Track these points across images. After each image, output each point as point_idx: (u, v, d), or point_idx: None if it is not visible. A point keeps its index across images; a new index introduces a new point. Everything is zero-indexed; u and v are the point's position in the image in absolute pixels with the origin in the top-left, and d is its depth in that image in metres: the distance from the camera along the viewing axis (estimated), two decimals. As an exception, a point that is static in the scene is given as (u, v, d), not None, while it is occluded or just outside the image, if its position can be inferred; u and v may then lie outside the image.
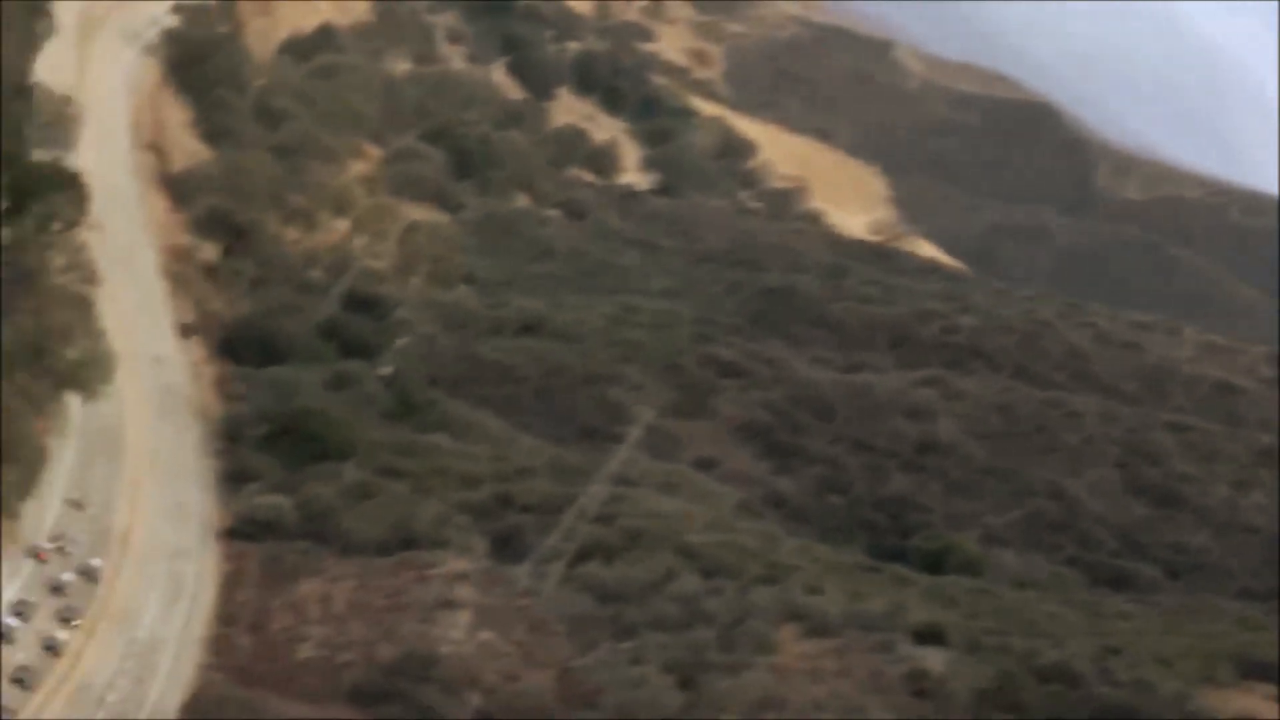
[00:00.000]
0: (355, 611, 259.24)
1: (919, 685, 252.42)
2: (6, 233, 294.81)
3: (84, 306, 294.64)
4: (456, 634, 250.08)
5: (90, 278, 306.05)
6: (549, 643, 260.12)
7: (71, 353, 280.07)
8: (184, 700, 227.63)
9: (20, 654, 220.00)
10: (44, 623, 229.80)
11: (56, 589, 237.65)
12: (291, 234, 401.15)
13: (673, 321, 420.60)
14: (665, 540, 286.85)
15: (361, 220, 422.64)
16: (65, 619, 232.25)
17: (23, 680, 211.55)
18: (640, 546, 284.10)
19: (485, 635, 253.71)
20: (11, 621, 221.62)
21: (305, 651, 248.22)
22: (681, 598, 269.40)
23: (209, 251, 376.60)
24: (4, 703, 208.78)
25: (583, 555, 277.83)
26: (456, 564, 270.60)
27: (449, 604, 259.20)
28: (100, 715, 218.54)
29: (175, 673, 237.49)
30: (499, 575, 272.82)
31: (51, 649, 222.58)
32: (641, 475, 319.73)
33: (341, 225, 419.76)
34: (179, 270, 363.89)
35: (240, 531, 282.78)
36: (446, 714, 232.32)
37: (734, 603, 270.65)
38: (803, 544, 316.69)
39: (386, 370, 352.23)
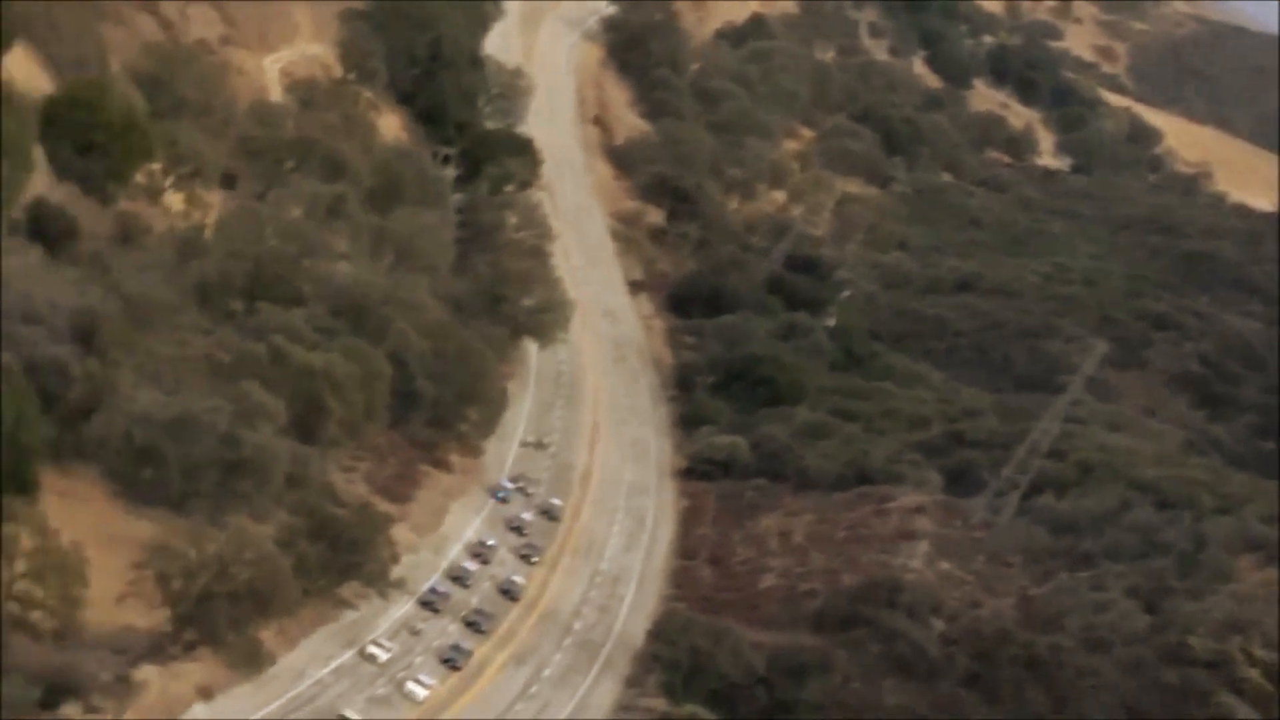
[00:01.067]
0: (815, 543, 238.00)
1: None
2: (464, 194, 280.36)
3: (540, 258, 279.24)
4: (917, 563, 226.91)
5: (545, 234, 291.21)
6: (1006, 572, 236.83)
7: (529, 301, 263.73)
8: (650, 627, 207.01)
9: (486, 584, 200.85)
10: (507, 559, 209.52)
11: (517, 528, 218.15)
12: (731, 203, 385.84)
13: (1104, 278, 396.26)
14: (1117, 474, 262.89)
15: (798, 191, 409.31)
16: (526, 556, 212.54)
17: (484, 614, 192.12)
18: (1093, 480, 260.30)
19: (944, 565, 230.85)
20: (470, 565, 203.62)
21: (767, 581, 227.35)
22: (1137, 528, 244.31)
23: (654, 216, 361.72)
24: (481, 627, 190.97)
25: (1036, 488, 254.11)
26: (913, 497, 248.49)
27: (908, 535, 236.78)
28: (568, 641, 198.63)
29: (639, 603, 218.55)
30: (954, 508, 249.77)
31: (513, 584, 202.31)
32: (1088, 415, 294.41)
33: (778, 196, 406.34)
34: (626, 232, 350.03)
35: (696, 470, 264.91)
36: (912, 638, 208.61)
37: (1190, 532, 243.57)
38: (1250, 478, 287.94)
39: (830, 323, 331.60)
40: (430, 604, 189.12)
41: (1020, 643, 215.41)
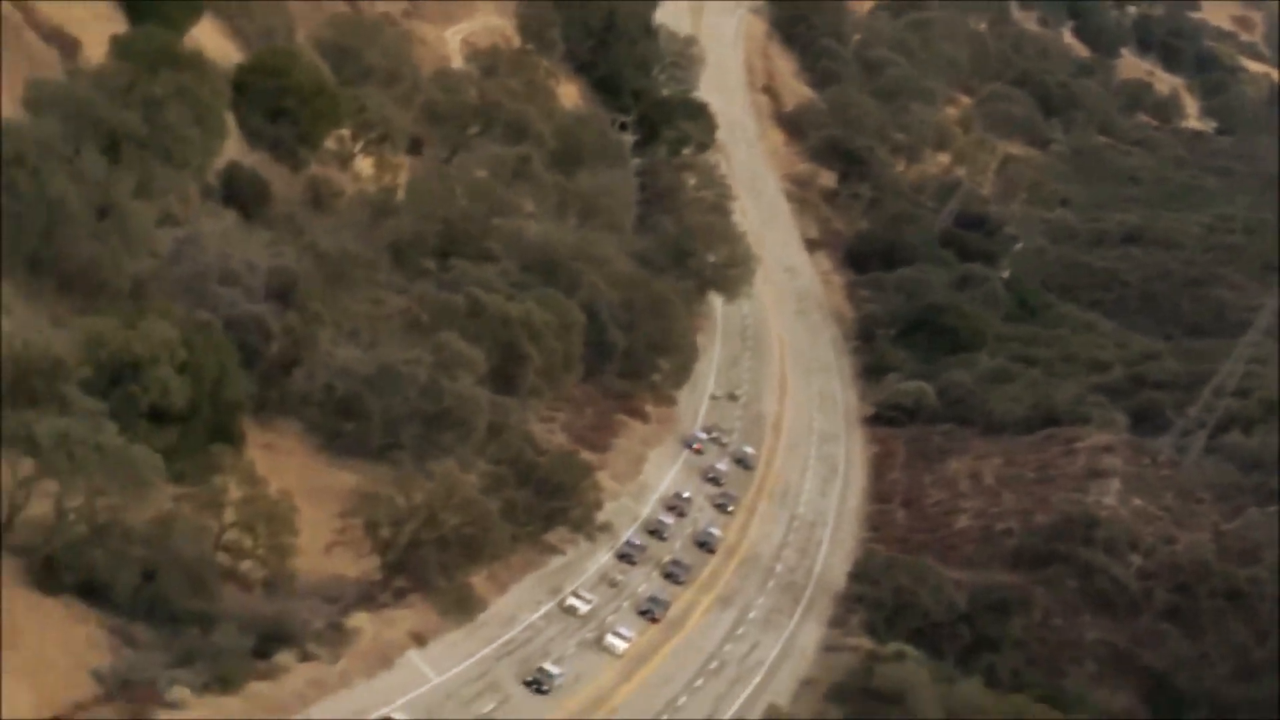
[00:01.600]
0: (1005, 484, 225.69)
1: None
2: (643, 159, 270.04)
3: (722, 214, 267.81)
4: (1109, 500, 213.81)
5: (725, 193, 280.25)
6: (1197, 508, 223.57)
7: (714, 256, 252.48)
8: (851, 569, 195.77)
9: (683, 535, 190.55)
10: (703, 509, 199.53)
11: (713, 479, 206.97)
12: (897, 165, 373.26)
13: (1265, 228, 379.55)
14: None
15: (961, 153, 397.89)
16: (721, 505, 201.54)
17: (681, 565, 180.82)
18: (1278, 417, 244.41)
19: (1136, 501, 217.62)
20: (666, 519, 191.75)
21: (961, 522, 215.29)
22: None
23: (826, 178, 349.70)
24: (679, 578, 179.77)
25: (1222, 427, 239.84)
26: (1100, 437, 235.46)
27: (1098, 473, 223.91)
28: (770, 584, 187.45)
29: (837, 546, 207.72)
30: (1141, 447, 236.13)
31: (710, 536, 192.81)
32: (1267, 356, 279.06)
33: (943, 158, 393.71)
34: (800, 194, 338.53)
35: (883, 417, 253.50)
36: (1110, 573, 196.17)
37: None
38: None
39: (1004, 275, 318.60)
40: (627, 556, 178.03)
41: (1219, 575, 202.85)
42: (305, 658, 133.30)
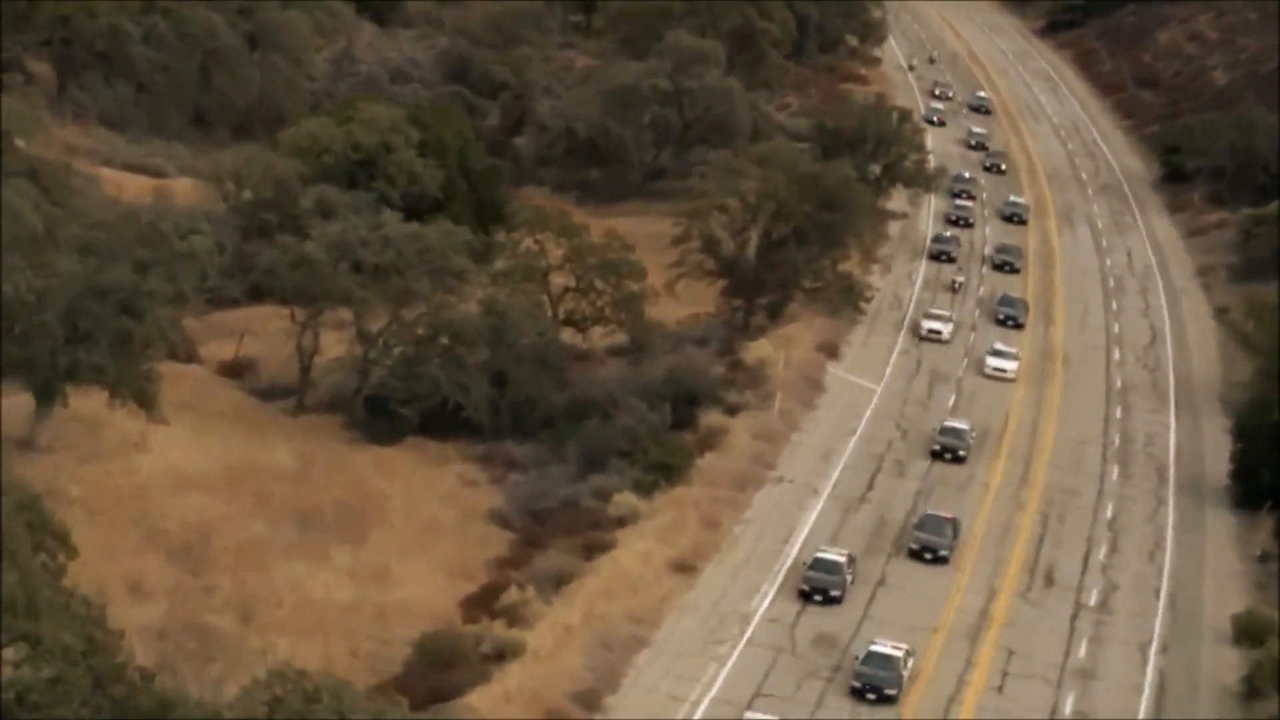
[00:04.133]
0: (1233, 30, 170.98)
1: None
2: None
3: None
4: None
5: None
6: None
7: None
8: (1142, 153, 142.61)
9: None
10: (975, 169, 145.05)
11: (975, 144, 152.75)
12: None
13: None
14: None
15: None
16: (993, 167, 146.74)
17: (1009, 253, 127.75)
18: None
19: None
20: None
21: (1218, 75, 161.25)
22: None
23: None
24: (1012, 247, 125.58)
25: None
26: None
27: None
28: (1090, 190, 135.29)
29: (1110, 139, 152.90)
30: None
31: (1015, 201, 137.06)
32: None
33: None
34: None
35: (1057, 24, 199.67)
36: None
37: None
38: None
39: None
40: (943, 254, 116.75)
41: None
42: (732, 410, 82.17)
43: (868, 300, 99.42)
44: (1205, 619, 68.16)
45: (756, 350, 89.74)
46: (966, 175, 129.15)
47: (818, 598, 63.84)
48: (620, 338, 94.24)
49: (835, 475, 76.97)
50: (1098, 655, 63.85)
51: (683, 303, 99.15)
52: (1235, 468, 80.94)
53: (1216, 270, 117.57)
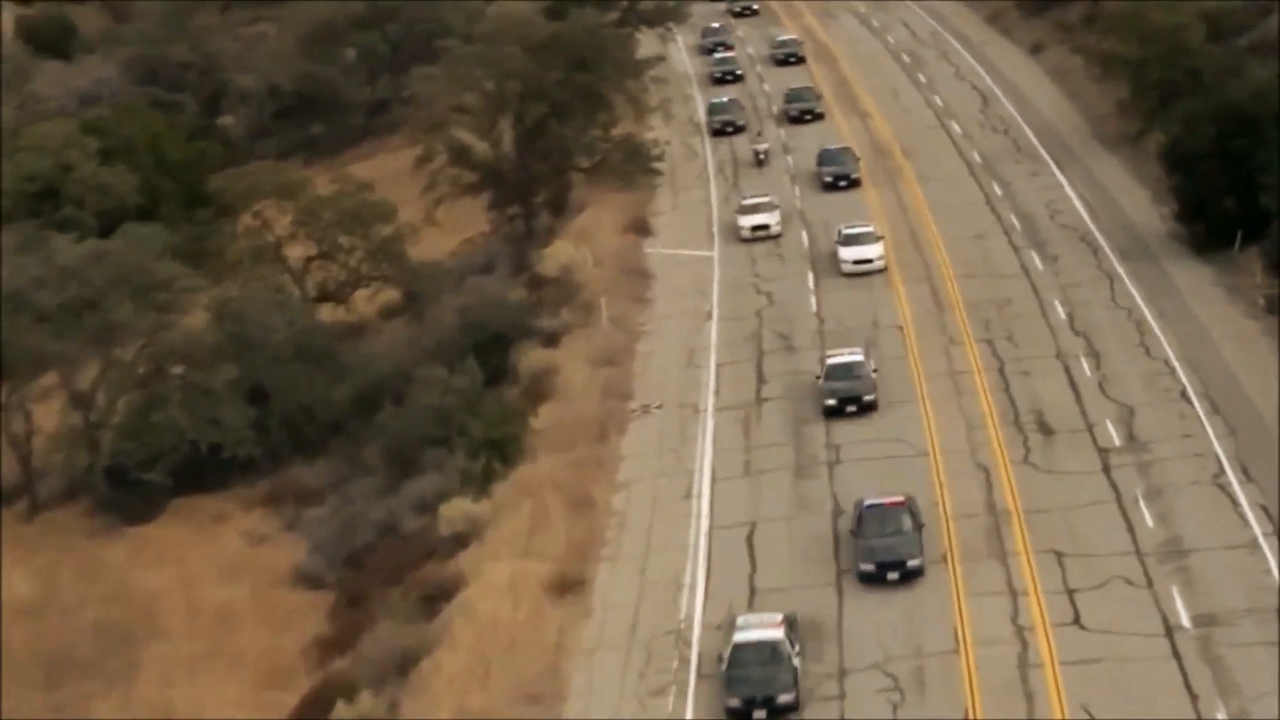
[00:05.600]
0: None
1: None
2: None
3: None
4: None
5: None
6: None
7: None
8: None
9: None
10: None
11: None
12: None
13: None
14: None
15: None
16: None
17: None
18: None
19: None
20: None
21: None
22: None
23: None
24: None
25: None
26: None
27: None
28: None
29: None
30: None
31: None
32: None
33: None
34: None
35: None
36: None
37: None
38: None
39: None
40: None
41: None
42: (553, 339, 56.53)
43: (659, 159, 73.67)
44: (1261, 408, 44.12)
45: (554, 256, 63.93)
46: (715, 25, 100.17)
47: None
48: (392, 295, 68.07)
49: (711, 380, 51.65)
50: (1169, 515, 39.48)
51: (450, 231, 73.42)
52: (1180, 207, 56.94)
53: (1006, 13, 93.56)
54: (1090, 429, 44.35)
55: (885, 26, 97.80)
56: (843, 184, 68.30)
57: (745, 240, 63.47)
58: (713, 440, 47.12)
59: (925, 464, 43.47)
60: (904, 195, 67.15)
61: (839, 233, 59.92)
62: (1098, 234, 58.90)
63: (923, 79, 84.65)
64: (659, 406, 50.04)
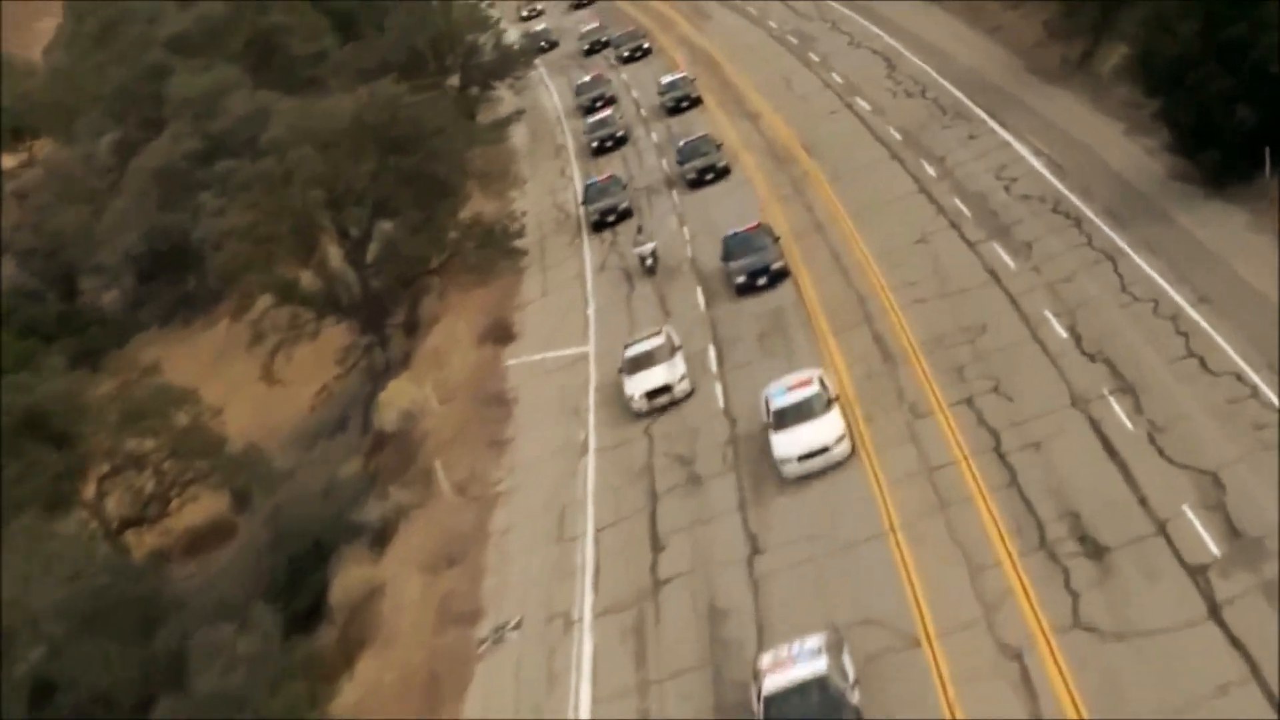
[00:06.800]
0: None
1: None
2: None
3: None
4: None
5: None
6: None
7: None
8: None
9: None
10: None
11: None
12: None
13: None
14: None
15: None
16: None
17: None
18: None
19: None
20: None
21: None
22: None
23: None
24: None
25: None
26: None
27: None
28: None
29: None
30: None
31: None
32: None
33: None
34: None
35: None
36: None
37: None
38: None
39: None
40: None
41: None
42: (383, 533, 37.00)
43: (520, 235, 54.15)
44: None
45: (392, 401, 44.63)
46: (587, 79, 75.97)
47: None
48: (218, 499, 48.78)
49: (589, 560, 32.06)
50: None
51: (304, 382, 53.89)
52: (1174, 134, 37.33)
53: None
54: (1163, 528, 24.80)
55: (764, 12, 78.29)
56: (761, 281, 42.17)
57: (640, 415, 38.02)
58: (590, 677, 27.61)
59: (916, 664, 23.92)
60: (816, 206, 47.56)
61: (766, 400, 33.95)
62: (1074, 198, 39.30)
63: (814, 57, 65.13)
64: (516, 626, 30.64)
